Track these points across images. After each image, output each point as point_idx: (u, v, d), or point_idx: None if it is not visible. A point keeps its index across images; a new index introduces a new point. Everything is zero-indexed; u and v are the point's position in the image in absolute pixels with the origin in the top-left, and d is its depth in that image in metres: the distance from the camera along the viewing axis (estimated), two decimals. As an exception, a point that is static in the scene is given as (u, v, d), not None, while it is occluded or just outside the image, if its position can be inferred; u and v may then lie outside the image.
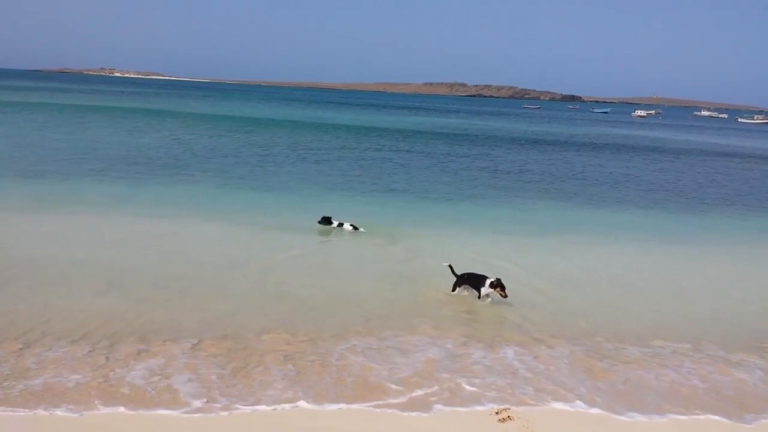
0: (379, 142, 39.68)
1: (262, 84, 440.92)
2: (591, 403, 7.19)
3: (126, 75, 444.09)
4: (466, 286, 10.59)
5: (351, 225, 14.63)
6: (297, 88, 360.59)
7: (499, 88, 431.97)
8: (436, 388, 7.28)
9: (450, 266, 10.74)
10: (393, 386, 7.26)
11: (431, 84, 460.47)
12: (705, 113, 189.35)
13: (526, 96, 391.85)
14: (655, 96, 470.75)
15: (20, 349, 7.65)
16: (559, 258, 13.73)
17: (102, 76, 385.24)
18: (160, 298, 9.76)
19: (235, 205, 17.30)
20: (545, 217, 18.59)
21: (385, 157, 31.73)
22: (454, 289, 10.65)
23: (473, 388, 7.34)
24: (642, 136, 66.54)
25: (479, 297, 10.42)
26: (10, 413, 6.26)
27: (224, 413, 6.55)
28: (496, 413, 6.73)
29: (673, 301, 11.33)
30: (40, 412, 6.32)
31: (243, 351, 7.98)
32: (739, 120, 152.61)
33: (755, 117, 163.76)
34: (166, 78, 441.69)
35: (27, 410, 6.31)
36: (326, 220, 14.51)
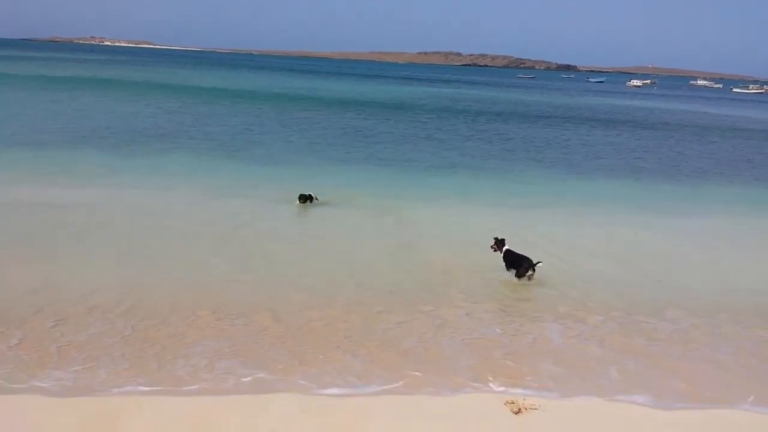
0: (367, 113, 39.69)
1: (255, 53, 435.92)
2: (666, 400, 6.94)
3: (116, 44, 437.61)
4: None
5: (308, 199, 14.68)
6: (289, 57, 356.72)
7: (494, 58, 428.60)
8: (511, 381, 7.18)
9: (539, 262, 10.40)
10: (466, 375, 7.18)
11: (426, 53, 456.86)
12: (701, 83, 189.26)
13: (522, 65, 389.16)
14: (651, 65, 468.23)
15: (53, 326, 7.62)
16: (554, 228, 13.87)
17: (92, 45, 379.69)
18: (185, 272, 9.80)
19: (223, 177, 17.38)
20: (534, 189, 18.67)
21: (370, 127, 31.84)
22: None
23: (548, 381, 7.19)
24: (635, 106, 66.45)
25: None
26: (63, 400, 6.24)
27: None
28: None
29: (678, 272, 11.52)
30: (83, 397, 6.31)
31: (299, 332, 7.96)
32: (734, 90, 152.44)
33: (750, 87, 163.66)
34: (158, 47, 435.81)
35: (82, 397, 6.31)
36: (305, 198, 14.57)
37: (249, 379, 6.84)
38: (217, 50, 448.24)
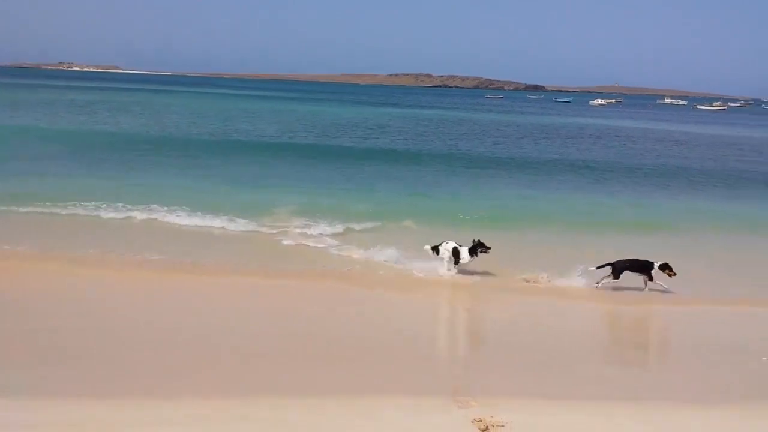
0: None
1: (225, 76, 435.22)
2: None
3: (86, 69, 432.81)
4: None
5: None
6: (259, 80, 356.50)
7: (463, 79, 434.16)
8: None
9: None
10: (433, 390, 7.27)
11: (396, 75, 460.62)
12: (667, 101, 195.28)
13: (491, 86, 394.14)
14: (617, 84, 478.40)
15: None
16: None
17: (60, 70, 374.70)
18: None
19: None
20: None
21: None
22: (617, 277, 11.46)
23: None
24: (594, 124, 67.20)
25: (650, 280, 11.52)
26: None
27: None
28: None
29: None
30: None
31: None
32: (698, 107, 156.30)
33: (714, 104, 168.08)
34: (128, 72, 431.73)
35: None
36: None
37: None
38: (188, 74, 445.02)
